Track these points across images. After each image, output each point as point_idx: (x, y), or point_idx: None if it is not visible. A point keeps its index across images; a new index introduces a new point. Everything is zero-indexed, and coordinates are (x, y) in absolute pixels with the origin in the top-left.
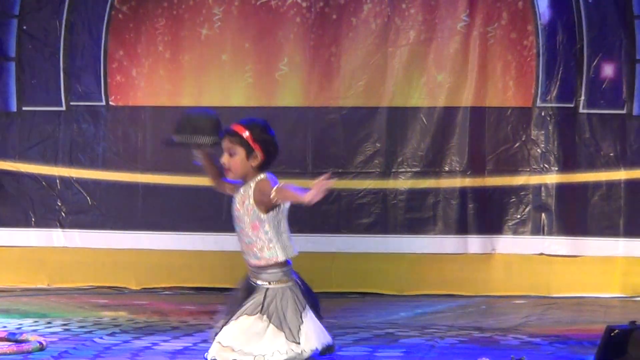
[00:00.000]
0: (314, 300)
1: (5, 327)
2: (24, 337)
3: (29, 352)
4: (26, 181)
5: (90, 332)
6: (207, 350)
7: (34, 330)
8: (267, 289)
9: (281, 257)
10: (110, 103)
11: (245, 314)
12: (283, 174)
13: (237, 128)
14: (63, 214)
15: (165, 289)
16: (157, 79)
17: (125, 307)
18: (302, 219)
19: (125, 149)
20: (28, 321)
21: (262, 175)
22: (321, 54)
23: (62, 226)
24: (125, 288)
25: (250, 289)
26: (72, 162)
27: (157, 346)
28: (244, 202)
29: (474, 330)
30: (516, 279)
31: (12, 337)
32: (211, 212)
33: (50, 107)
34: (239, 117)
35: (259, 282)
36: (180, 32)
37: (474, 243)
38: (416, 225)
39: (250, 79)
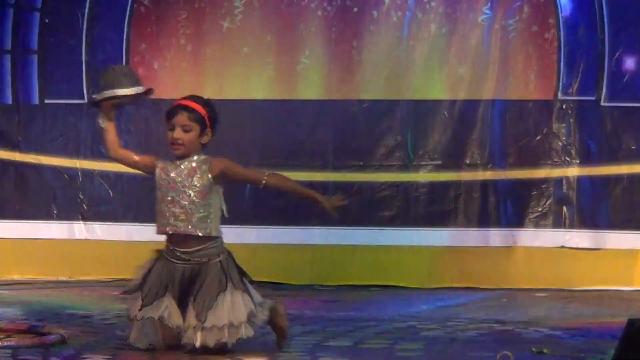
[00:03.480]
0: None
1: (27, 319)
2: (46, 329)
3: (51, 345)
4: (48, 174)
5: (111, 324)
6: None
7: (56, 323)
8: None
9: (215, 234)
10: None
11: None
12: (305, 167)
13: (195, 105)
14: (85, 206)
15: None
16: (179, 72)
17: None
18: (323, 212)
19: (148, 141)
20: (50, 314)
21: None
22: (342, 46)
23: (84, 219)
24: None
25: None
26: (94, 155)
27: None
28: (192, 175)
29: (495, 324)
30: (537, 272)
31: (34, 329)
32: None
33: (73, 100)
34: (260, 110)
35: (197, 259)
36: (202, 25)
37: (495, 236)
38: (437, 218)
39: (272, 71)
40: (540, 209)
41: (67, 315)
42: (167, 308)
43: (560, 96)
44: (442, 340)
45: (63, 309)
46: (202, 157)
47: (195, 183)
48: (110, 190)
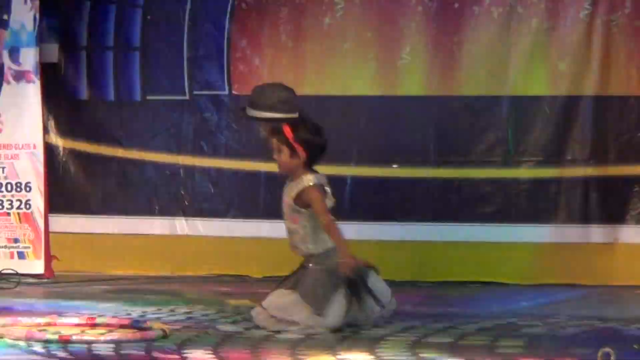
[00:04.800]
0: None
1: (129, 314)
2: (147, 324)
3: (153, 340)
4: (150, 170)
5: (213, 320)
6: (333, 340)
7: (158, 318)
8: (306, 268)
9: (316, 251)
10: (233, 92)
11: (282, 288)
12: (405, 163)
13: (285, 128)
14: (186, 202)
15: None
16: (280, 69)
17: (248, 295)
18: (423, 208)
19: (248, 138)
20: (151, 309)
21: (310, 179)
22: (443, 42)
23: (185, 215)
24: (247, 276)
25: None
26: (195, 151)
27: (279, 334)
28: (288, 195)
29: (597, 321)
30: (639, 269)
31: (136, 325)
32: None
33: (174, 97)
34: (361, 106)
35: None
36: (303, 21)
37: (597, 232)
38: (538, 215)
39: (373, 67)
40: None
41: (168, 311)
42: None
43: None
44: (543, 337)
45: (165, 305)
46: (301, 181)
47: (285, 209)
48: (211, 186)
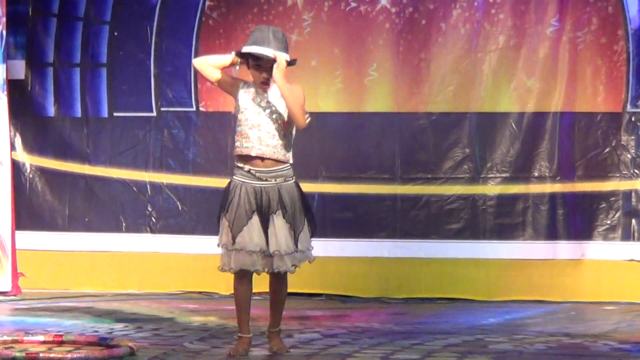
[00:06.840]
0: None
1: (96, 331)
2: (115, 341)
3: (120, 357)
4: (117, 187)
5: (180, 337)
6: (301, 357)
7: (125, 335)
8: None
9: (291, 158)
10: (201, 109)
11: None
12: (372, 180)
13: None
14: (153, 219)
15: (255, 294)
16: None
17: (215, 312)
18: (391, 225)
19: (215, 154)
20: (119, 326)
21: None
22: (410, 59)
23: (153, 231)
24: (215, 293)
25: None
26: (162, 168)
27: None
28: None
29: (564, 337)
30: (606, 285)
31: (103, 342)
32: None
33: (141, 113)
34: (328, 123)
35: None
36: None
37: (564, 249)
38: (505, 231)
39: (340, 84)
40: (609, 222)
41: (136, 328)
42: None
43: (629, 108)
44: (510, 354)
45: (132, 321)
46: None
47: (282, 110)
48: (178, 203)
